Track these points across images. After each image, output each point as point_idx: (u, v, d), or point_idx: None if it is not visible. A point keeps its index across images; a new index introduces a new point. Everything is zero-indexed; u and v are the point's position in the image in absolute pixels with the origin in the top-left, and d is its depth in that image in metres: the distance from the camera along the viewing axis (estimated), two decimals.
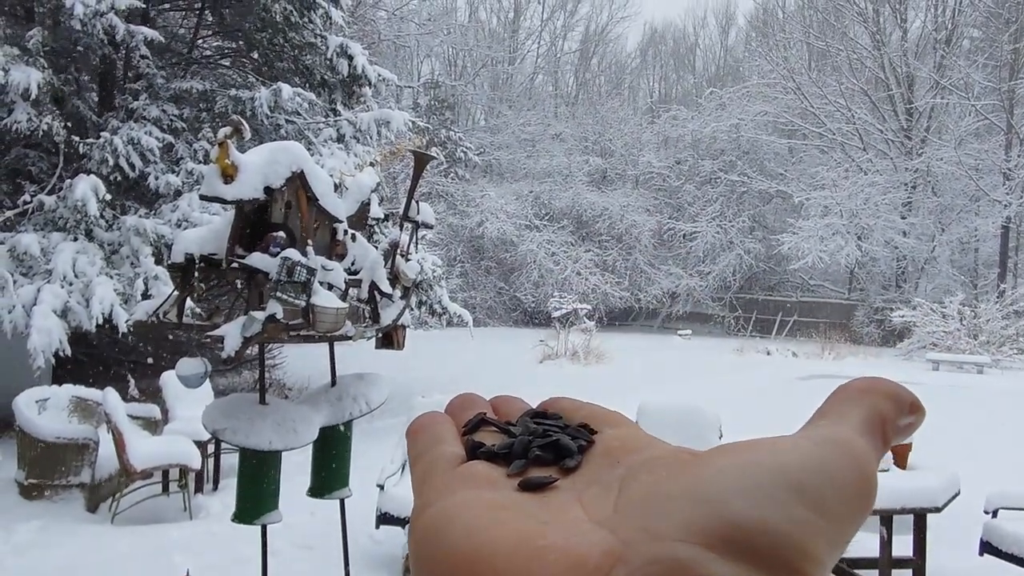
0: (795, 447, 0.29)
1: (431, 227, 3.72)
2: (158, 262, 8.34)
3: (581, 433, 0.36)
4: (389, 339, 3.64)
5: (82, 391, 7.10)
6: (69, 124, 8.71)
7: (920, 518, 4.89)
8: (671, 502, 0.28)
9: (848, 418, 0.31)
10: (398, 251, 3.57)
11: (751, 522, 0.26)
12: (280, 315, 2.96)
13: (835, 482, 0.28)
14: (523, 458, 0.34)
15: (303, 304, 3.02)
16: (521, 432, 0.36)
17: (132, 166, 8.69)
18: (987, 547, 4.92)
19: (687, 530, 0.26)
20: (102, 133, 8.81)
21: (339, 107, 10.97)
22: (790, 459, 0.28)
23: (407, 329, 3.80)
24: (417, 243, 3.67)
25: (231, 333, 2.96)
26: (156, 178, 8.87)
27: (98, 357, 10.12)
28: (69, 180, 8.30)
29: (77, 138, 8.67)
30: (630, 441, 0.35)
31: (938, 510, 4.68)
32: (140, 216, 8.65)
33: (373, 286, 3.44)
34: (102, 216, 8.28)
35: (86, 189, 7.98)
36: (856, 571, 4.90)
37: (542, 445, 0.35)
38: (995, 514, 5.03)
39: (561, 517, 0.30)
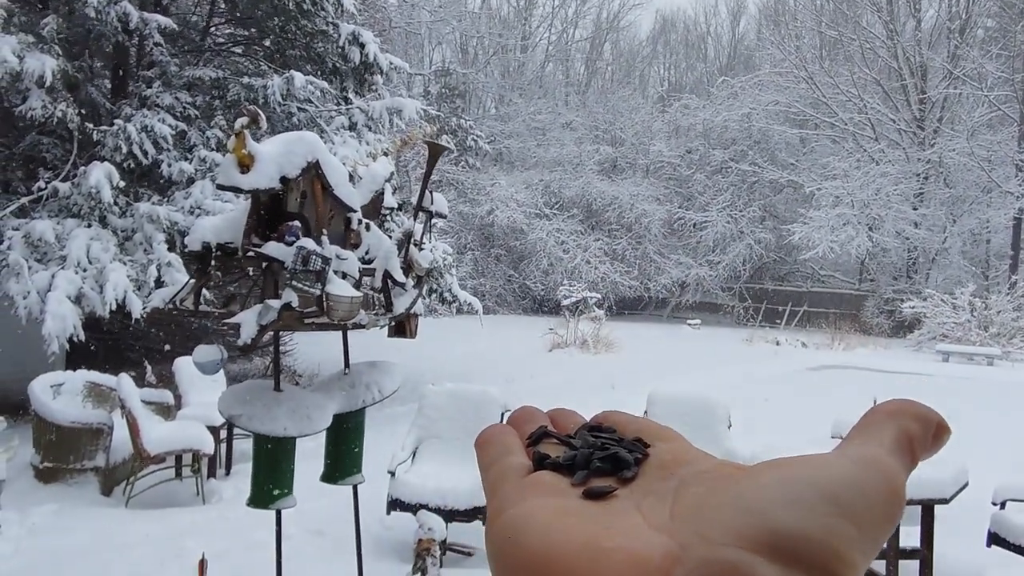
0: (831, 464, 0.32)
1: (444, 217, 3.76)
2: (171, 249, 8.40)
3: (636, 446, 0.39)
4: (401, 328, 3.68)
5: (96, 376, 7.17)
6: (83, 111, 8.76)
7: (928, 509, 4.92)
8: (721, 511, 0.31)
9: (879, 438, 0.34)
10: (412, 240, 3.60)
11: (793, 531, 0.30)
12: (295, 303, 3.00)
13: (867, 496, 0.31)
14: (585, 469, 0.37)
15: (318, 293, 3.06)
16: (581, 445, 0.40)
17: (145, 153, 8.74)
18: (995, 538, 4.94)
19: (737, 536, 0.30)
20: (115, 120, 8.86)
21: (351, 95, 10.99)
22: (827, 474, 0.32)
23: (419, 317, 3.83)
24: (431, 232, 3.70)
25: (247, 321, 3.00)
26: (169, 165, 8.92)
27: (111, 343, 10.20)
28: (83, 167, 8.36)
29: (91, 125, 8.72)
30: (681, 454, 0.38)
31: (946, 501, 4.70)
32: (153, 203, 8.70)
33: (387, 275, 3.47)
34: (116, 203, 8.34)
35: (100, 176, 8.04)
36: None
37: (602, 457, 0.38)
38: (1003, 506, 5.05)
39: (622, 523, 0.33)
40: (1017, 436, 9.88)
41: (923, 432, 0.35)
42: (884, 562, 4.73)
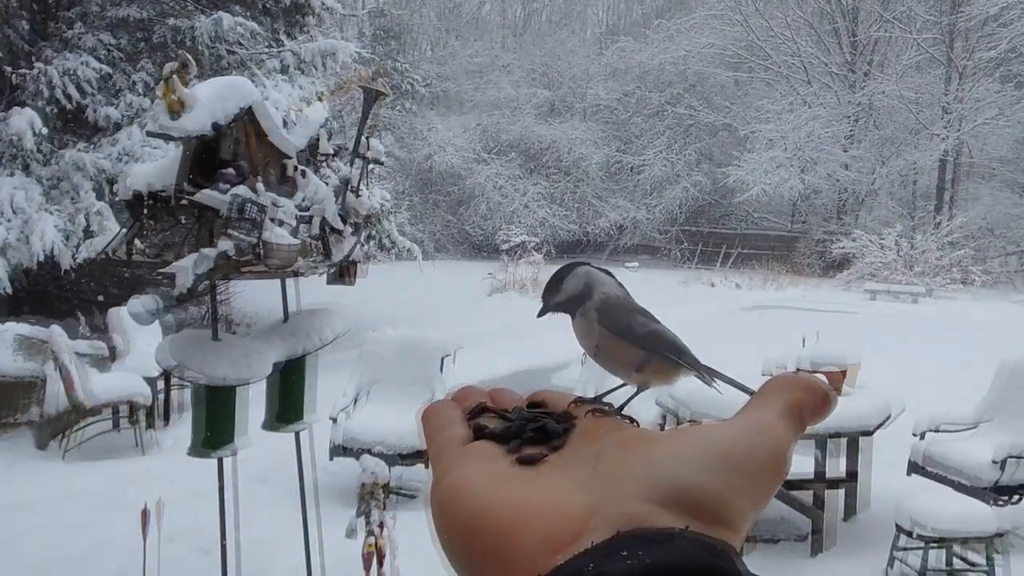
0: (727, 429, 0.38)
1: (381, 163, 3.74)
2: (100, 197, 8.17)
3: (564, 419, 0.45)
4: (341, 275, 3.67)
5: (26, 329, 6.99)
6: (0, 54, 8.40)
7: (853, 441, 5.13)
8: (634, 471, 0.37)
9: (772, 406, 0.40)
10: (349, 187, 3.58)
11: (692, 484, 0.35)
12: (232, 252, 2.97)
13: (755, 455, 0.37)
14: (519, 439, 0.43)
15: (254, 241, 3.03)
16: (516, 417, 0.45)
17: (69, 98, 8.44)
18: (914, 467, 5.20)
19: (645, 491, 0.35)
20: (36, 63, 8.52)
21: (283, 37, 10.73)
22: (722, 437, 0.38)
23: (358, 264, 3.83)
24: (368, 179, 3.69)
25: (183, 270, 2.97)
26: (95, 111, 8.64)
27: (41, 294, 9.94)
28: (3, 112, 8.05)
29: (9, 68, 8.38)
30: (603, 425, 0.45)
31: (869, 433, 4.91)
32: (80, 150, 8.43)
33: (324, 222, 3.45)
34: (39, 150, 8.06)
35: (21, 123, 7.75)
36: (792, 492, 5.14)
37: (534, 428, 0.44)
38: (923, 436, 5.31)
39: (550, 483, 0.38)
40: (937, 370, 10.28)
41: (811, 401, 0.41)
42: (812, 492, 4.93)
